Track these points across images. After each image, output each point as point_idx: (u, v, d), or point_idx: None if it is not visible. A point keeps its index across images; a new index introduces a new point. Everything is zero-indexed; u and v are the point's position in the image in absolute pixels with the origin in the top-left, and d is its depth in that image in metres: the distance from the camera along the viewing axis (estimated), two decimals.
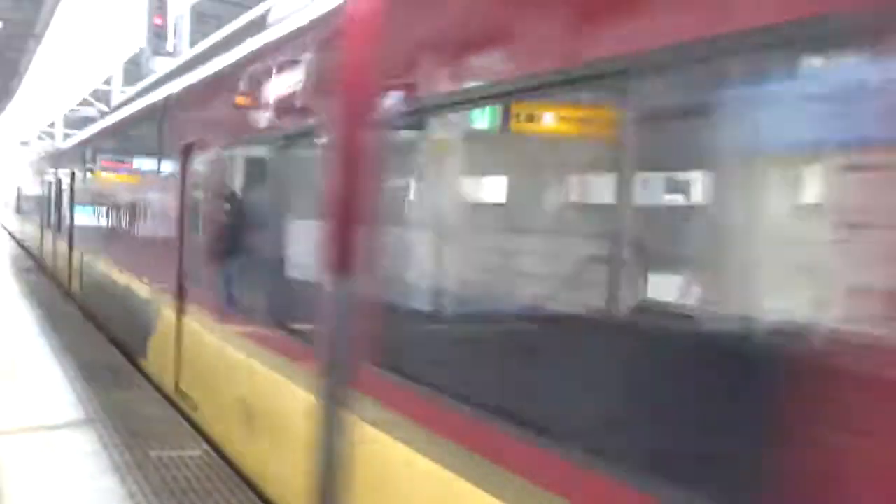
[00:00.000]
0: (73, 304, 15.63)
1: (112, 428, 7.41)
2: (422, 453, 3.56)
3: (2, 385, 8.75)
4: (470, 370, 3.59)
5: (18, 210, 38.37)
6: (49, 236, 21.33)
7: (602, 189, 2.96)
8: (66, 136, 39.34)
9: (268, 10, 6.91)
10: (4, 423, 7.36)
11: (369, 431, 4.02)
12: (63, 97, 53.09)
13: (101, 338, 12.14)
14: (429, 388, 3.60)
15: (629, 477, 2.53)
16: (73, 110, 51.38)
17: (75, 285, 16.28)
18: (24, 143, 60.95)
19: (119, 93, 34.91)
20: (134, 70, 32.03)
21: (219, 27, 26.43)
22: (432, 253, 4.20)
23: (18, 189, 38.68)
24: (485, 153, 4.23)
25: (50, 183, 22.01)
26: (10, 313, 14.20)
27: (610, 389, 2.76)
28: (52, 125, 55.02)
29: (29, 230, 28.45)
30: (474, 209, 4.30)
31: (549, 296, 3.38)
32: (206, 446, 6.97)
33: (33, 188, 26.77)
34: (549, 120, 3.54)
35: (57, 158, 22.46)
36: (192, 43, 23.41)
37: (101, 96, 42.67)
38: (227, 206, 7.11)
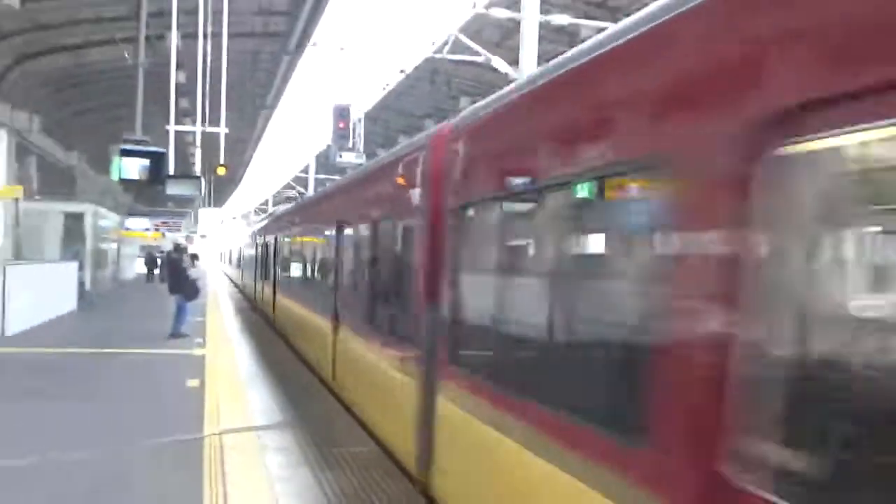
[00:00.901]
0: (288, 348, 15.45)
1: (304, 430, 8.22)
2: None
3: (227, 396, 9.81)
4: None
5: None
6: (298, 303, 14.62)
7: None
8: (274, 210, 43.25)
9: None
10: (229, 424, 8.26)
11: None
12: (272, 182, 59.43)
13: (300, 364, 13.13)
14: None
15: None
16: (279, 192, 57.68)
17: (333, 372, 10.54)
18: (245, 216, 69.67)
19: (313, 179, 38.19)
20: (324, 161, 35.00)
21: (387, 129, 29.63)
22: None
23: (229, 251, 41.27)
24: None
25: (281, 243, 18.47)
26: (233, 342, 15.62)
27: None
28: (265, 203, 62.65)
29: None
30: None
31: None
32: (373, 445, 7.61)
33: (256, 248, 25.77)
34: None
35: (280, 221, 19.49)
36: (366, 140, 25.95)
37: (300, 181, 46.86)
38: None
